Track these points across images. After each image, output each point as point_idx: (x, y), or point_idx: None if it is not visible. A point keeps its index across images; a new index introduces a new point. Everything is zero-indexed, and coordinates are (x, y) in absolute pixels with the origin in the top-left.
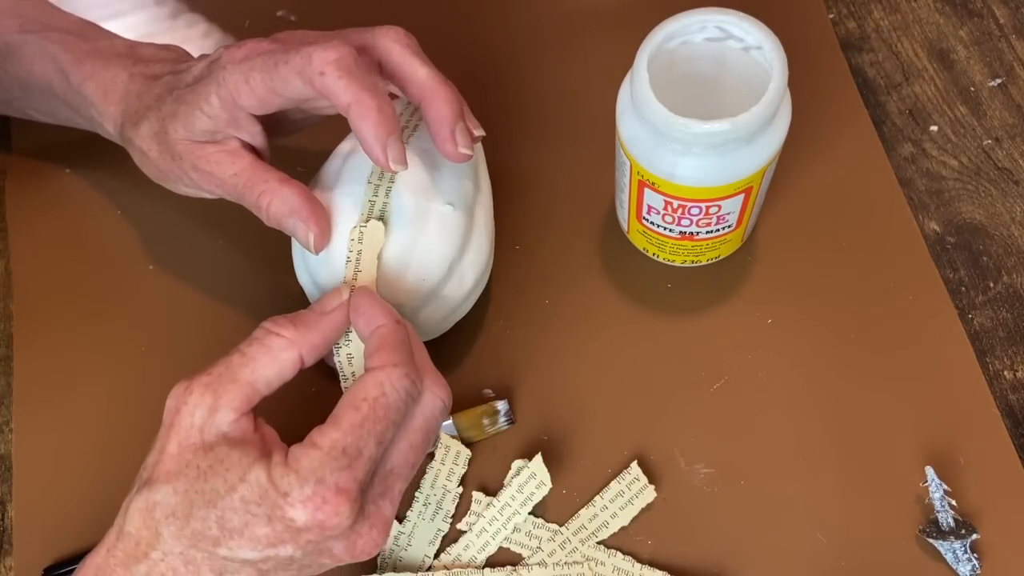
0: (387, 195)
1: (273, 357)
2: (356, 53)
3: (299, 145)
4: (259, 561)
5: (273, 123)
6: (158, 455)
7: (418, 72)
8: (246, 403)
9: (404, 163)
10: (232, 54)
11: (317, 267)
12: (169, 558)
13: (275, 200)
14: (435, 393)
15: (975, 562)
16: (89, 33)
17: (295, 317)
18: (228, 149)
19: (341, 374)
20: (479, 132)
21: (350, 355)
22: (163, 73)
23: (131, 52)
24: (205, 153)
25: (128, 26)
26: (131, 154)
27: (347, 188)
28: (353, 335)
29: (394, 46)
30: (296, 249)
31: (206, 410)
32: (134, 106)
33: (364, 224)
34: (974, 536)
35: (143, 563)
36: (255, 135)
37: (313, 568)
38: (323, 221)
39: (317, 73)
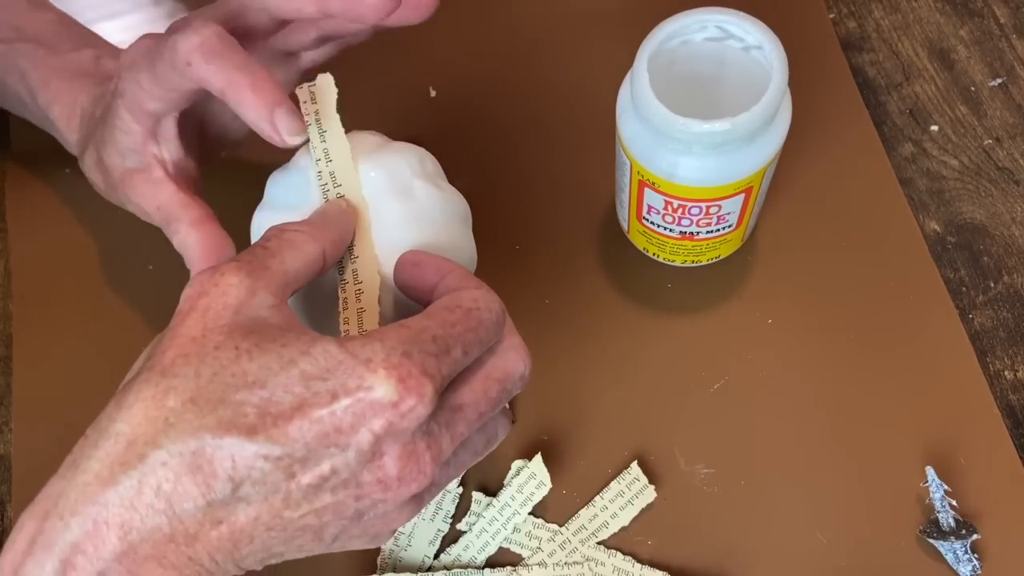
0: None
1: (298, 249)
2: (222, 31)
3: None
4: (297, 462)
5: (198, 130)
6: (169, 341)
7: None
8: (282, 291)
9: (302, 132)
10: (124, 58)
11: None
12: (173, 461)
13: (183, 244)
14: (520, 355)
15: (975, 562)
16: (60, 42)
17: (304, 220)
18: (151, 179)
19: (342, 300)
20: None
21: (355, 270)
22: (108, 89)
23: (96, 68)
24: (134, 183)
25: (126, 26)
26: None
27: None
28: (358, 250)
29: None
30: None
31: (244, 290)
32: (85, 135)
33: (312, 84)
34: (975, 536)
35: (134, 472)
36: (175, 151)
37: (337, 509)
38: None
39: (184, 64)
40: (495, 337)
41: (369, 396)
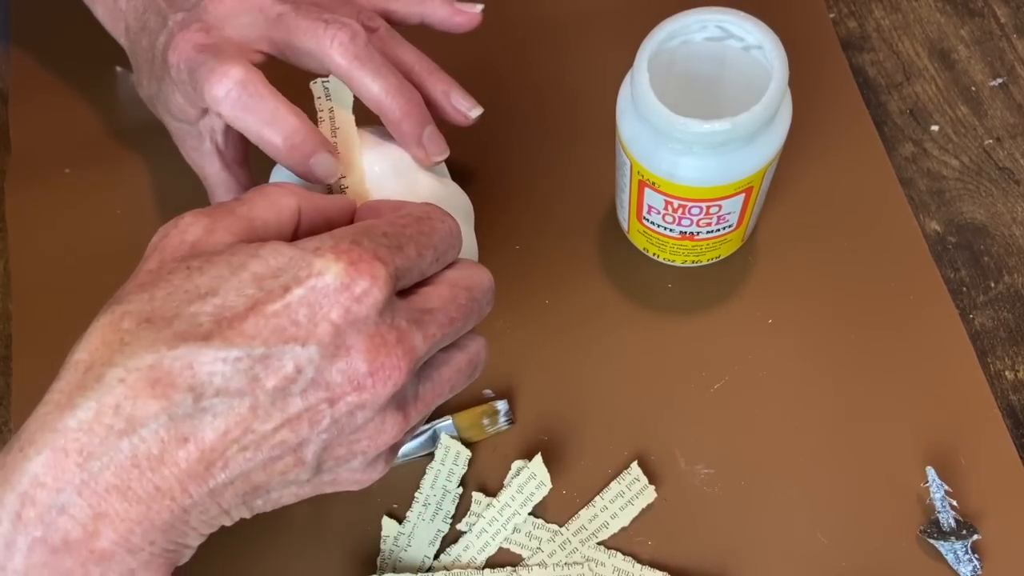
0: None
1: (270, 201)
2: (247, 77)
3: None
4: (258, 362)
5: None
6: (129, 280)
7: (368, 89)
8: (244, 235)
9: (334, 176)
10: (173, 52)
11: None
12: (131, 377)
13: None
14: (481, 269)
15: (976, 563)
16: None
17: None
18: (201, 148)
19: None
20: (475, 112)
21: None
22: (149, 6)
23: None
24: (186, 145)
25: None
26: None
27: None
28: None
29: (339, 60)
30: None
31: (202, 229)
32: (135, 53)
33: (326, 79)
34: (975, 537)
35: (91, 393)
36: (225, 126)
37: (313, 418)
38: None
39: (215, 111)
40: (450, 247)
41: (320, 282)
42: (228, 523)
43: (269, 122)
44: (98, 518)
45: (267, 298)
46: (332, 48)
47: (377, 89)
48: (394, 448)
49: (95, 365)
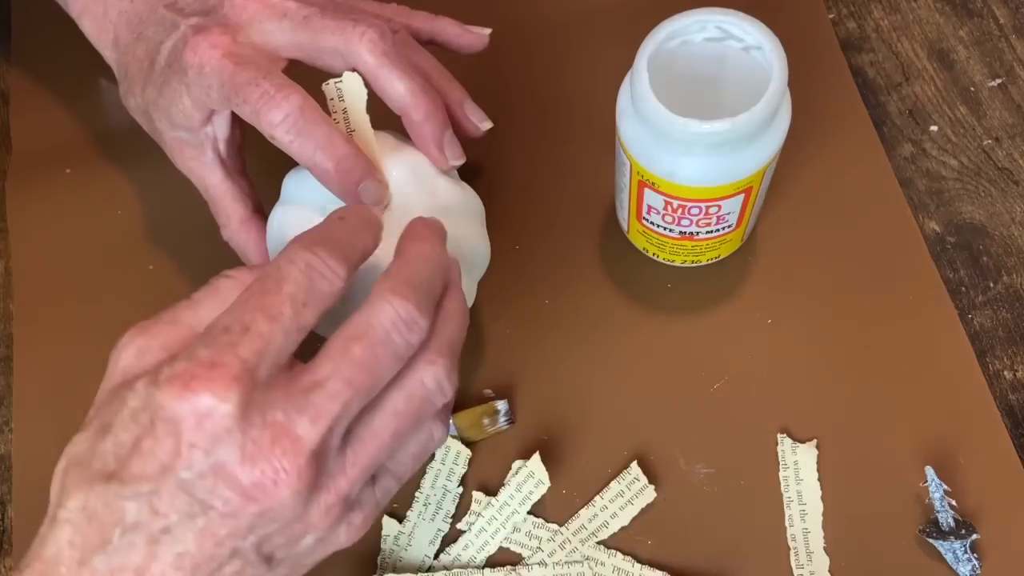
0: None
1: (221, 299)
2: (304, 102)
3: None
4: (153, 496)
5: None
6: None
7: (394, 87)
8: (181, 344)
9: (383, 203)
10: (193, 53)
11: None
12: (74, 515)
13: (232, 240)
14: (430, 361)
15: (975, 562)
16: None
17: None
18: (202, 159)
19: None
20: (485, 125)
21: None
22: (147, 19)
23: None
24: (183, 154)
25: None
26: None
27: None
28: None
29: (368, 58)
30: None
31: (134, 351)
32: (124, 64)
33: (339, 80)
34: (974, 536)
35: (51, 536)
36: (228, 128)
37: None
38: None
39: (268, 133)
40: (310, 292)
41: (170, 414)
42: None
43: (322, 147)
44: None
45: (143, 433)
46: (361, 45)
47: (403, 88)
48: (363, 507)
49: (51, 509)
